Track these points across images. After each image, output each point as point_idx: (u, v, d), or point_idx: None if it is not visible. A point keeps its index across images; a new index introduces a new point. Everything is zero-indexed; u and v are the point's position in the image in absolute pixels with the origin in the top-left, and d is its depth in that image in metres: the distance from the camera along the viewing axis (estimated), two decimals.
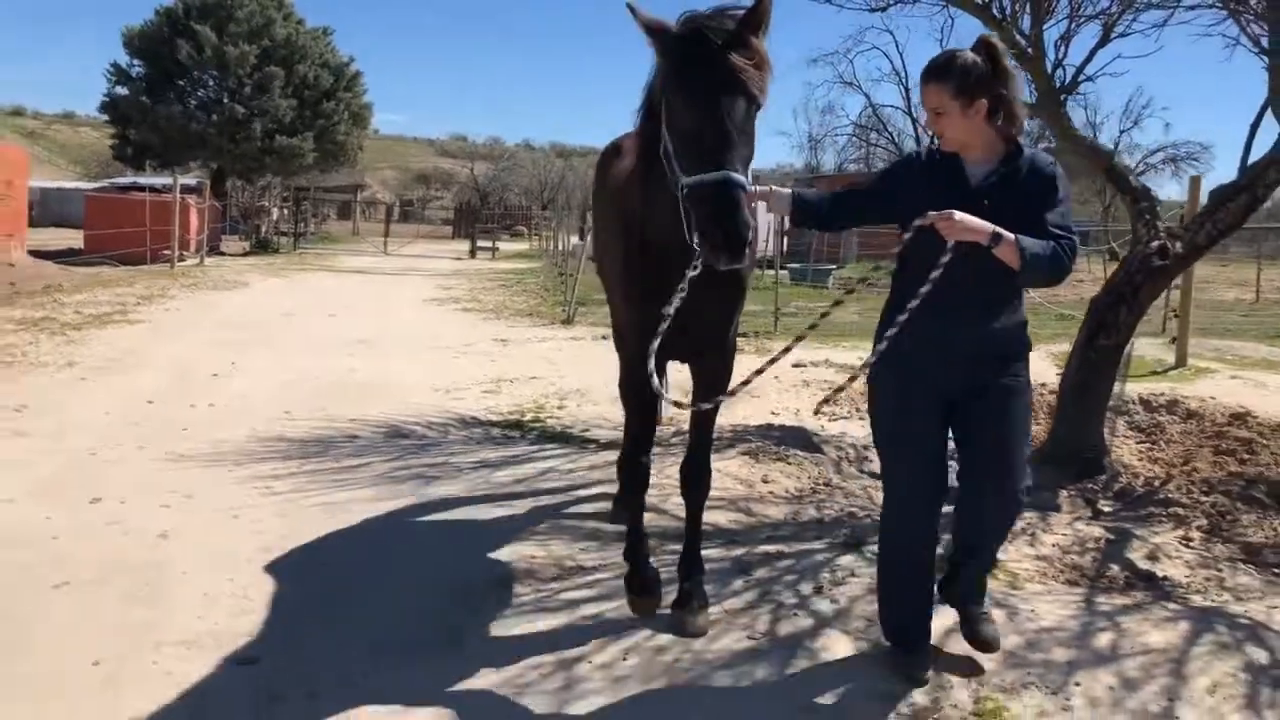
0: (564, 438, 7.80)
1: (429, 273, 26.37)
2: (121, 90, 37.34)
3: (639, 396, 4.38)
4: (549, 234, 30.86)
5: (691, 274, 3.49)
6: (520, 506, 6.00)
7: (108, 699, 3.62)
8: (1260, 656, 4.26)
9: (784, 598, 4.70)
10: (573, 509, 5.99)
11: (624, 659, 4.10)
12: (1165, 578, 5.10)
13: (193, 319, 14.59)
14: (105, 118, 39.07)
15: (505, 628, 4.35)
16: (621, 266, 4.28)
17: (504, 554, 5.19)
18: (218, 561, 4.94)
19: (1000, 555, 5.36)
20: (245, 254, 31.57)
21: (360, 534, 5.44)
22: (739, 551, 5.30)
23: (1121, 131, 50.65)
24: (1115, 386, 7.63)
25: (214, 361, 10.63)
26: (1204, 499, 6.34)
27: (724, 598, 4.67)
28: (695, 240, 3.34)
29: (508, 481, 6.51)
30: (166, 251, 23.59)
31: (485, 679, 3.89)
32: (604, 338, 13.63)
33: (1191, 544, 5.69)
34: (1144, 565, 5.27)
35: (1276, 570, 5.35)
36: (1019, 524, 5.63)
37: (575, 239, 39.61)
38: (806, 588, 4.84)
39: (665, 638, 4.26)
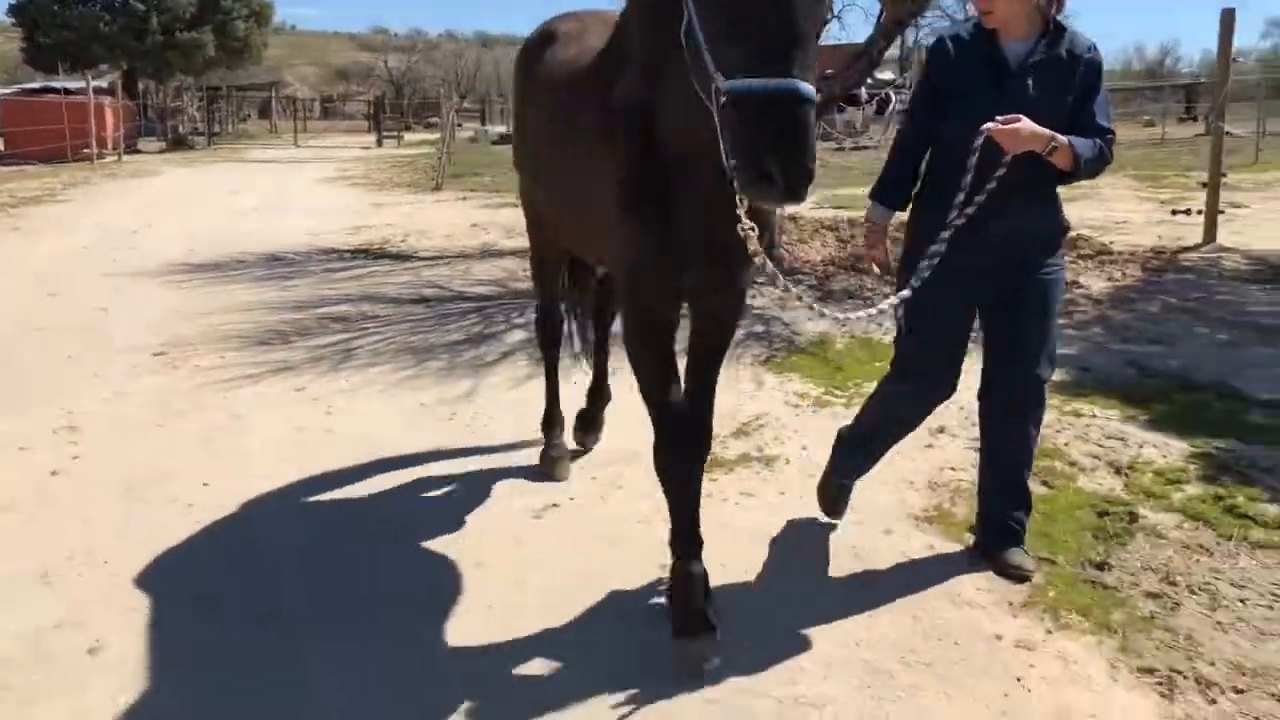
0: (395, 257, 10.68)
1: (333, 160, 28.62)
2: None
3: (657, 336, 3.24)
4: (440, 121, 32.70)
5: (742, 211, 2.66)
6: (347, 290, 8.88)
7: (80, 370, 6.43)
8: (758, 328, 7.28)
9: (497, 320, 7.64)
10: (380, 290, 8.84)
11: (384, 347, 7.00)
12: (760, 308, 7.98)
13: (113, 198, 17.07)
14: (12, 21, 40.01)
15: (320, 339, 7.21)
16: (613, 184, 3.10)
17: (329, 310, 8.06)
18: (137, 320, 7.74)
19: None
20: (162, 151, 33.40)
21: (229, 304, 8.28)
22: (489, 306, 8.21)
23: None
24: None
25: (133, 224, 13.25)
26: (821, 267, 9.33)
27: (462, 318, 7.61)
28: (734, 167, 2.37)
29: (343, 279, 9.39)
30: (86, 149, 25.59)
31: (299, 360, 6.76)
32: (464, 199, 16.34)
33: (789, 290, 8.65)
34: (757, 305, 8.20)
35: (840, 301, 8.36)
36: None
37: (485, 126, 42.14)
38: (516, 317, 7.78)
39: (416, 340, 7.14)
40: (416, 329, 7.44)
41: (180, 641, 3.35)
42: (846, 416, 5.48)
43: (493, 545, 4.03)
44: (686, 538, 3.29)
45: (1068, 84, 3.44)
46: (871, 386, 5.99)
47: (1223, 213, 10.47)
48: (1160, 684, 3.12)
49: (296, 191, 18.46)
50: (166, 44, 37.53)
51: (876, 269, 3.84)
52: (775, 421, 5.40)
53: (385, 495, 4.51)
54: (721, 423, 4.83)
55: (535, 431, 4.89)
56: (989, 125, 3.28)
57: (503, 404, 5.76)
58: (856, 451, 4.07)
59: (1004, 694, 3.06)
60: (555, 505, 4.42)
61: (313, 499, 4.47)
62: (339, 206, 15.51)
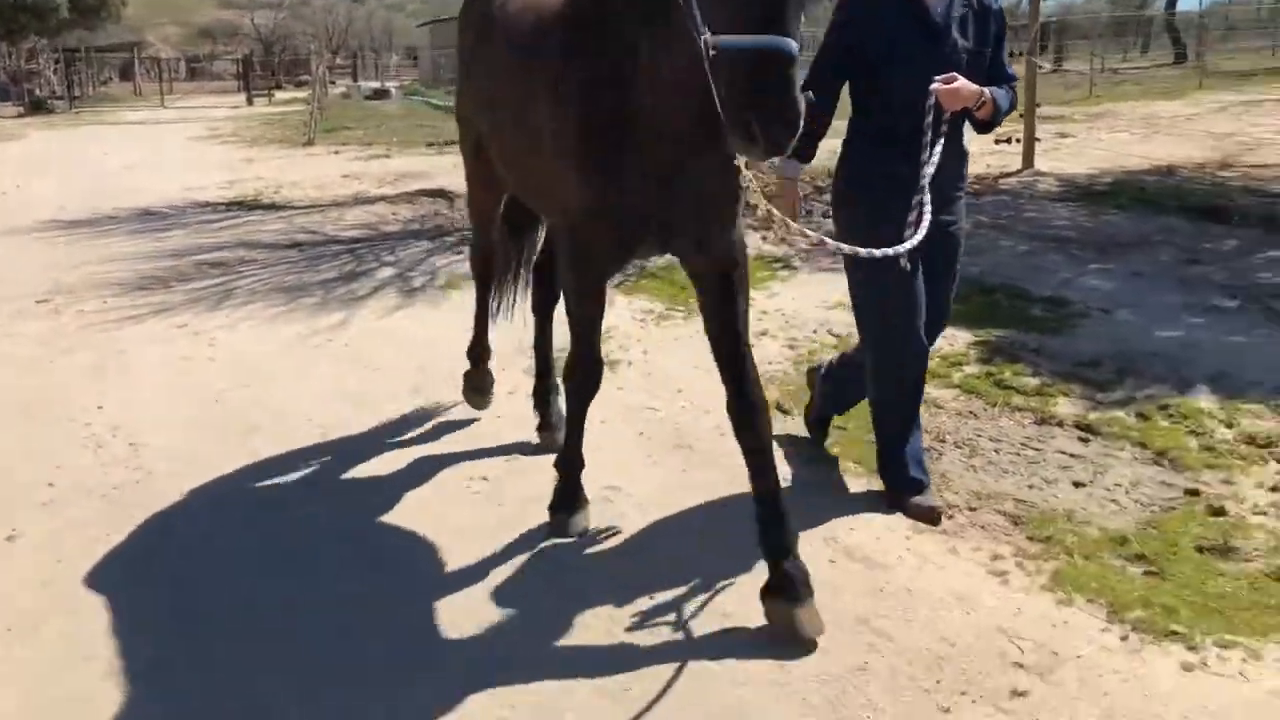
0: (269, 207, 11.01)
1: (202, 120, 28.12)
2: None
3: (592, 284, 3.37)
4: (311, 78, 31.94)
5: (747, 174, 2.80)
6: (222, 239, 9.23)
7: None
8: None
9: (368, 259, 8.12)
10: (255, 238, 9.21)
11: (261, 287, 7.42)
12: None
13: None
14: None
15: (198, 282, 7.59)
16: (569, 138, 3.12)
17: (205, 257, 8.42)
18: (17, 273, 8.00)
19: None
20: (20, 116, 32.29)
21: (107, 256, 8.57)
22: (360, 247, 8.65)
23: None
24: None
25: (1, 185, 13.17)
26: None
27: (335, 258, 8.06)
28: (727, 119, 2.41)
29: (218, 229, 9.72)
30: None
31: (179, 302, 7.15)
32: (336, 152, 16.54)
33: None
34: None
35: None
36: None
37: (358, 82, 41.60)
38: (386, 256, 8.26)
39: (291, 280, 7.57)
40: (291, 270, 7.87)
41: (87, 523, 3.85)
42: (684, 328, 6.17)
43: (367, 439, 4.59)
44: (576, 440, 3.75)
45: (985, 36, 3.60)
46: None
47: (1039, 140, 11.43)
48: None
49: (167, 150, 18.35)
50: (17, 4, 36.10)
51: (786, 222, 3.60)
52: (621, 333, 6.03)
53: (261, 402, 5.02)
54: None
55: (405, 351, 5.43)
56: (935, 86, 3.40)
57: (374, 331, 6.28)
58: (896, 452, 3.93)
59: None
60: (423, 409, 4.99)
61: (197, 409, 4.96)
62: (211, 163, 15.58)
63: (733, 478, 4.13)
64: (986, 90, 3.47)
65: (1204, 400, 4.74)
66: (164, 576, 3.49)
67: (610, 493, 4.02)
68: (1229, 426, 4.46)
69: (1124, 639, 2.98)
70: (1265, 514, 3.72)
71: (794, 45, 2.33)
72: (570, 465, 3.78)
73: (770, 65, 2.31)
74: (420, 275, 7.61)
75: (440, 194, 10.92)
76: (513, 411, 4.89)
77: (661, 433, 4.60)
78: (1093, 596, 3.19)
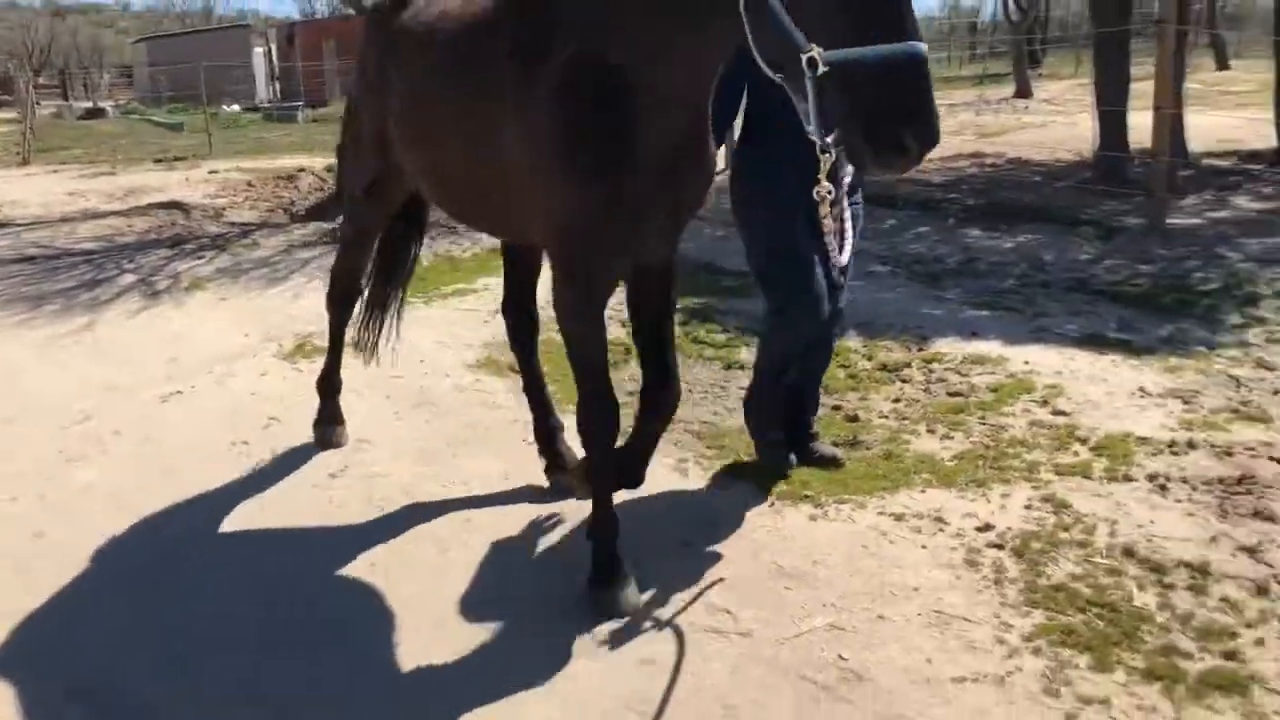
0: None
1: None
2: None
3: (599, 305, 3.20)
4: (16, 98, 29.88)
5: (825, 195, 2.48)
6: None
7: None
8: None
9: (108, 267, 8.27)
10: None
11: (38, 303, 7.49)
12: None
13: None
14: None
15: None
16: (553, 141, 2.91)
17: None
18: None
19: None
20: None
21: None
22: (98, 258, 8.76)
23: None
24: None
25: None
26: None
27: (73, 269, 8.17)
28: (850, 140, 2.24)
29: None
30: None
31: None
32: (55, 171, 16.02)
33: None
34: None
35: None
36: None
37: (70, 101, 39.34)
38: (127, 264, 8.44)
39: (28, 290, 7.65)
40: (28, 281, 7.93)
41: None
42: (425, 312, 6.80)
43: (125, 419, 5.00)
44: (605, 501, 3.45)
45: None
46: (450, 289, 7.36)
47: None
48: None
49: None
50: None
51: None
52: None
53: (20, 393, 5.30)
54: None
55: (154, 347, 5.77)
56: None
57: (123, 330, 6.58)
58: (773, 401, 4.32)
59: (518, 451, 4.51)
60: (179, 392, 5.40)
61: None
62: None
63: (467, 423, 4.86)
64: None
65: (852, 341, 5.83)
66: None
67: (364, 444, 4.65)
68: (869, 359, 5.55)
69: (770, 504, 3.91)
70: (886, 418, 4.78)
71: (925, 46, 2.22)
72: (605, 529, 3.38)
73: (913, 73, 2.19)
74: (163, 279, 7.87)
75: (175, 206, 11.06)
76: (266, 390, 5.40)
77: (407, 394, 5.23)
78: (749, 480, 4.11)
